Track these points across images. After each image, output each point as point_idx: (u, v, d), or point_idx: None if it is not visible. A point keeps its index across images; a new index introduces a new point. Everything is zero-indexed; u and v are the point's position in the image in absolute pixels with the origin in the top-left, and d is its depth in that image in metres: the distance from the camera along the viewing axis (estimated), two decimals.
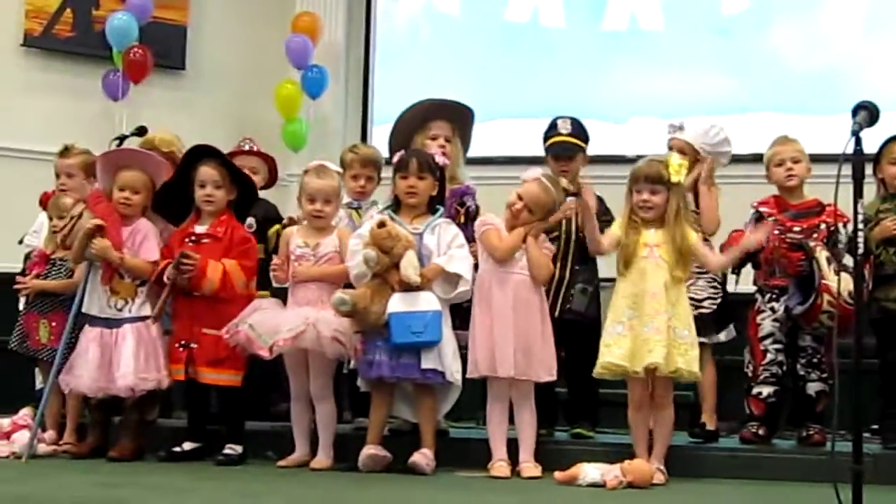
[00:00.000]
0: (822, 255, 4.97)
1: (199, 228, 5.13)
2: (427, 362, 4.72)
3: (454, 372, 4.78)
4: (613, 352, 4.62)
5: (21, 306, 5.67)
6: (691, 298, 5.06)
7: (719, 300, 5.25)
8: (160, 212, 5.32)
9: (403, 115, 5.46)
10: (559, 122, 5.44)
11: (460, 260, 4.81)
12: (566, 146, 5.37)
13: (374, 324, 4.73)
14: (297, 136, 8.32)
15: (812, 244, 5.04)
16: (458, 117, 5.42)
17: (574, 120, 5.45)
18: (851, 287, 4.66)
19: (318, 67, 8.45)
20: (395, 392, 4.91)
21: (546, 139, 5.43)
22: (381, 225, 4.74)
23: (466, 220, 5.12)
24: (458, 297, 4.83)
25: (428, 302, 4.73)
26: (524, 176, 4.88)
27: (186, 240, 5.11)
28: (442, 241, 4.86)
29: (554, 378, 4.83)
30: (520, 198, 4.79)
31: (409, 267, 4.69)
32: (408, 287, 4.71)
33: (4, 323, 5.79)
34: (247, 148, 5.78)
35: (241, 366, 5.02)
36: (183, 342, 5.06)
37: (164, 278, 5.03)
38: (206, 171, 5.13)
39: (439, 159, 4.99)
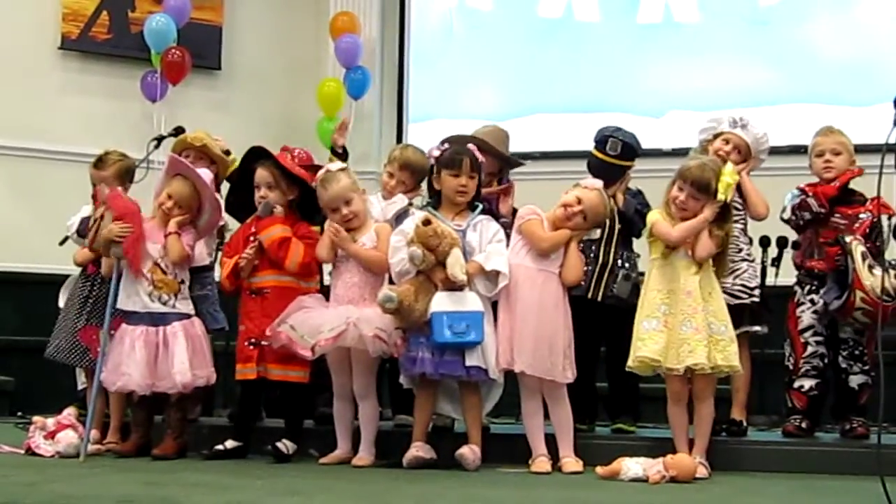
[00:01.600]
0: (857, 250, 4.92)
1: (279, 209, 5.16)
2: (471, 360, 4.72)
3: (496, 369, 4.78)
4: (649, 346, 4.61)
5: (61, 303, 5.70)
6: (744, 286, 5.06)
7: (761, 290, 5.22)
8: (232, 212, 5.39)
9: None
10: (610, 140, 5.30)
11: (498, 255, 4.80)
12: (608, 169, 5.26)
13: (418, 321, 4.73)
14: (330, 135, 8.32)
15: (849, 239, 5.00)
16: (492, 150, 5.29)
17: (625, 143, 5.29)
18: (888, 283, 4.65)
19: (361, 69, 8.47)
20: (438, 389, 4.91)
21: (596, 145, 5.35)
22: (427, 222, 4.73)
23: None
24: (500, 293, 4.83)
25: (473, 302, 4.73)
26: (585, 183, 4.84)
27: (250, 237, 5.14)
28: (483, 237, 4.86)
29: (571, 380, 4.80)
30: (578, 201, 4.77)
31: (457, 265, 4.68)
32: (452, 285, 4.72)
33: (46, 324, 5.84)
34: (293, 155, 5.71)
35: (306, 363, 5.00)
36: (253, 340, 5.07)
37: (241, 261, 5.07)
38: (259, 173, 5.16)
39: (480, 156, 4.97)
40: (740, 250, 5.14)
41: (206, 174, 5.34)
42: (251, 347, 5.07)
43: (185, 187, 5.23)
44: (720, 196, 4.61)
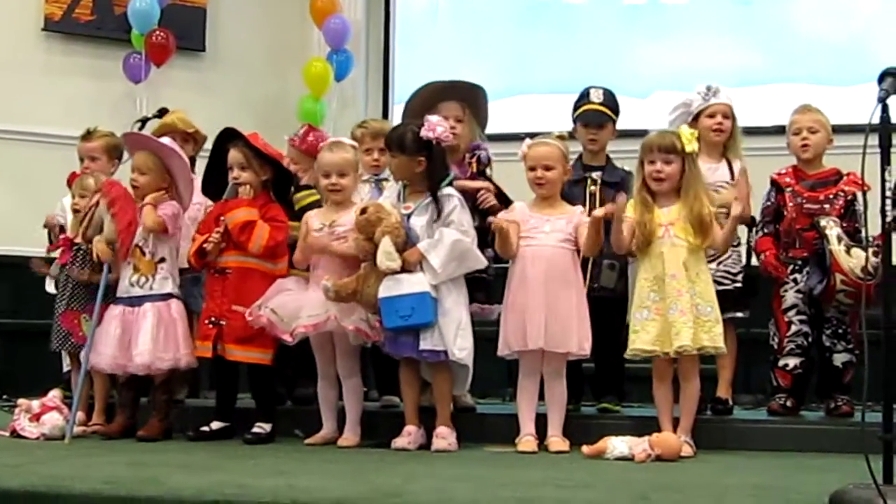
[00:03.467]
0: (832, 233, 4.94)
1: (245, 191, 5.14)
2: (424, 343, 4.70)
3: (457, 350, 4.71)
4: (642, 338, 4.63)
5: (49, 288, 5.69)
6: (727, 272, 5.06)
7: (744, 273, 5.23)
8: (208, 195, 5.38)
9: (413, 98, 5.40)
10: (591, 91, 5.41)
11: (441, 246, 4.72)
12: (596, 114, 5.35)
13: (373, 304, 4.74)
14: (314, 116, 8.30)
15: (824, 222, 5.01)
16: (469, 96, 5.35)
17: (606, 91, 5.43)
18: (865, 262, 4.66)
19: (344, 51, 8.45)
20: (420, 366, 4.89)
21: (577, 107, 5.41)
22: (363, 211, 4.74)
23: (478, 169, 5.18)
24: (454, 276, 4.77)
25: (413, 284, 4.68)
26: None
27: (220, 218, 5.13)
28: (434, 219, 4.79)
29: (586, 354, 4.82)
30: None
31: (382, 254, 4.66)
32: (395, 270, 4.70)
33: (32, 306, 5.84)
34: (295, 138, 5.68)
35: (270, 344, 5.01)
36: (213, 319, 5.07)
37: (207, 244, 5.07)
38: (231, 154, 5.15)
39: (425, 133, 4.79)
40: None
41: (166, 140, 5.38)
42: (210, 326, 5.07)
43: (147, 158, 5.25)
44: (688, 148, 4.66)
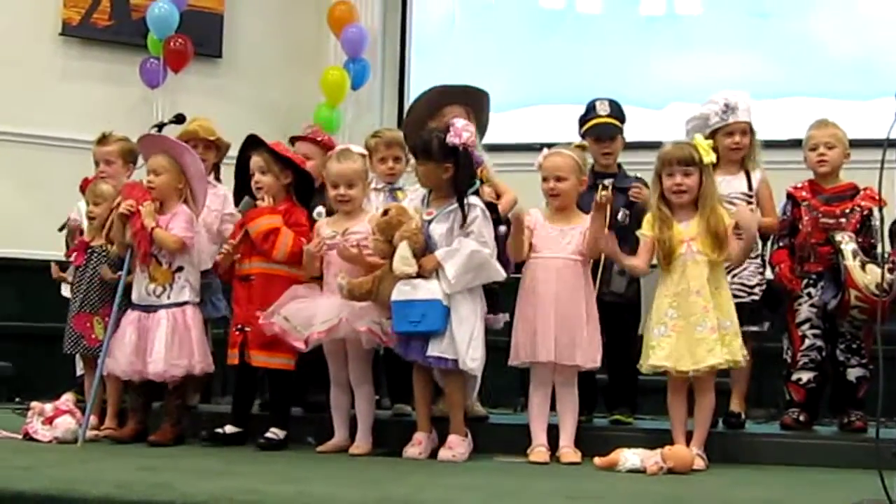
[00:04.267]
0: (848, 247, 4.93)
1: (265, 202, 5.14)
2: (433, 349, 4.68)
3: (469, 360, 4.68)
4: (658, 353, 4.61)
5: (65, 292, 5.70)
6: (743, 284, 5.05)
7: (764, 286, 5.21)
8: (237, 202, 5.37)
9: (417, 101, 5.40)
10: (597, 104, 5.42)
11: (458, 255, 4.69)
12: (606, 127, 5.36)
13: (388, 305, 4.74)
14: (329, 123, 8.32)
15: (839, 237, 4.99)
16: (473, 101, 5.33)
17: (612, 101, 5.44)
18: (880, 278, 4.64)
19: (361, 60, 8.46)
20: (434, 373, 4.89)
21: (585, 121, 5.41)
22: (385, 213, 4.75)
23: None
24: (469, 287, 4.75)
25: (426, 290, 4.68)
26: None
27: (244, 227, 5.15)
28: (456, 227, 4.75)
29: (597, 366, 4.82)
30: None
31: (398, 258, 4.66)
32: (410, 275, 4.69)
33: (47, 309, 5.85)
34: (307, 133, 5.73)
35: (293, 350, 5.01)
36: (240, 326, 5.09)
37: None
38: (253, 160, 5.18)
39: (450, 139, 4.76)
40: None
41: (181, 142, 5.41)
42: (237, 333, 5.09)
43: (161, 159, 5.27)
44: (706, 159, 4.66)
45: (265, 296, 5.03)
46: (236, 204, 5.35)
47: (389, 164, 5.39)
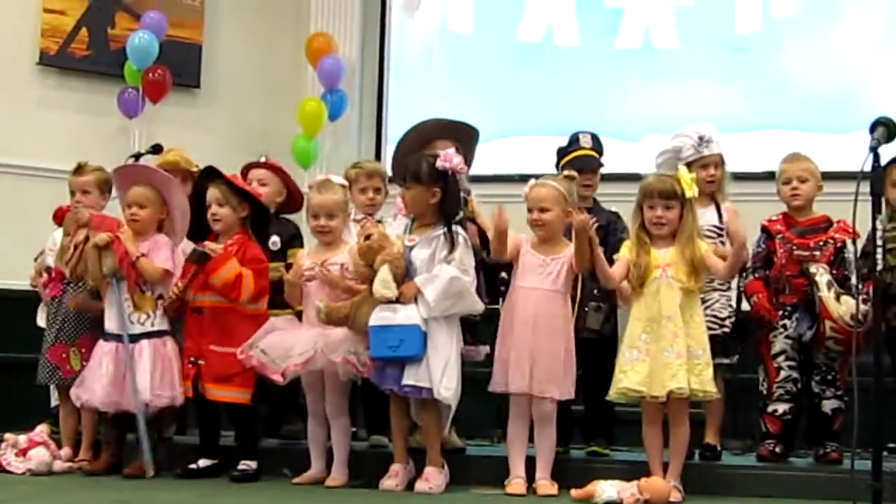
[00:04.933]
0: (822, 279, 4.97)
1: (212, 247, 5.12)
2: (408, 377, 4.68)
3: (443, 389, 4.67)
4: (630, 377, 4.62)
5: (40, 322, 5.67)
6: (714, 317, 5.06)
7: (734, 318, 5.24)
8: (190, 237, 5.36)
9: (407, 135, 5.42)
10: (580, 136, 5.47)
11: (437, 280, 4.70)
12: (590, 160, 5.40)
13: (365, 332, 4.74)
14: (306, 154, 8.32)
15: (813, 268, 5.03)
16: (463, 136, 5.36)
17: (593, 135, 5.49)
18: (854, 309, 4.67)
19: (338, 90, 8.48)
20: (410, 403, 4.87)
21: (566, 153, 5.43)
22: (367, 238, 4.75)
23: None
24: (448, 314, 4.76)
25: (405, 316, 4.68)
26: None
27: (184, 258, 5.14)
28: (437, 255, 4.76)
29: (571, 397, 4.82)
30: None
31: (379, 282, 4.67)
32: (389, 300, 4.70)
33: (21, 340, 5.81)
34: (261, 160, 5.74)
35: (249, 383, 5.01)
36: (192, 359, 5.08)
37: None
38: (210, 192, 5.17)
39: (440, 163, 4.80)
40: (712, 280, 5.08)
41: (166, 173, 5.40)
42: (190, 365, 5.08)
43: (146, 191, 5.26)
44: (688, 193, 4.69)
45: (217, 329, 5.04)
46: (191, 236, 5.32)
47: (370, 195, 5.41)
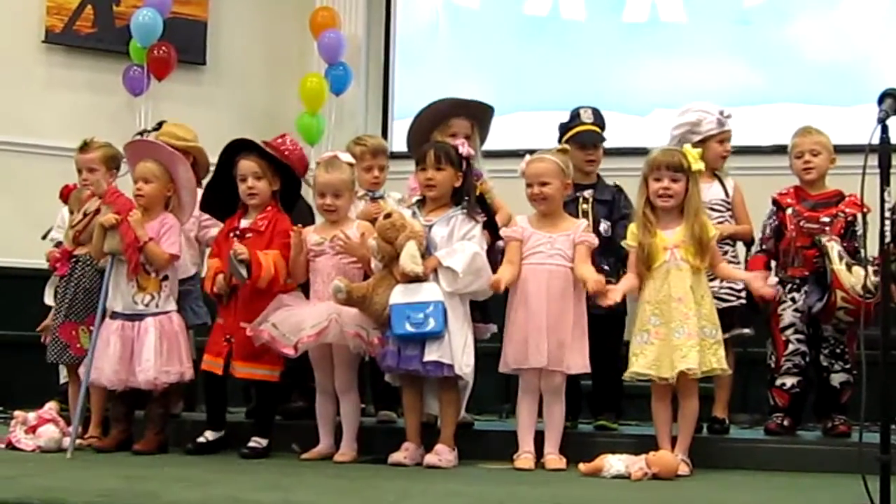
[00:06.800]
0: (833, 250, 4.95)
1: (243, 223, 5.12)
2: (430, 355, 4.68)
3: (464, 366, 4.71)
4: (640, 361, 4.62)
5: (48, 300, 5.68)
6: (731, 288, 5.06)
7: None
8: (209, 211, 5.35)
9: (423, 112, 5.41)
10: (582, 111, 5.44)
11: (461, 253, 4.74)
12: (592, 134, 5.37)
13: (380, 315, 4.74)
14: (312, 131, 8.31)
15: (825, 239, 5.02)
16: (478, 114, 5.39)
17: (595, 109, 5.46)
18: (866, 280, 4.66)
19: (342, 65, 8.45)
20: (424, 387, 4.89)
21: (568, 128, 5.42)
22: (388, 216, 4.75)
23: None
24: (468, 290, 4.78)
25: (429, 293, 4.69)
26: None
27: (231, 234, 5.11)
28: (455, 233, 4.81)
29: (587, 371, 4.82)
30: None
31: (408, 257, 4.66)
32: (410, 278, 4.70)
33: (30, 318, 5.82)
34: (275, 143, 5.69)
35: (278, 360, 5.00)
36: (227, 336, 5.06)
37: (215, 288, 5.06)
38: (245, 164, 5.12)
39: (463, 150, 4.91)
40: (725, 253, 5.13)
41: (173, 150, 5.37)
42: (224, 343, 5.06)
43: (152, 166, 5.23)
44: (695, 166, 4.69)
45: (249, 306, 5.01)
46: (204, 205, 5.32)
47: (375, 173, 5.40)
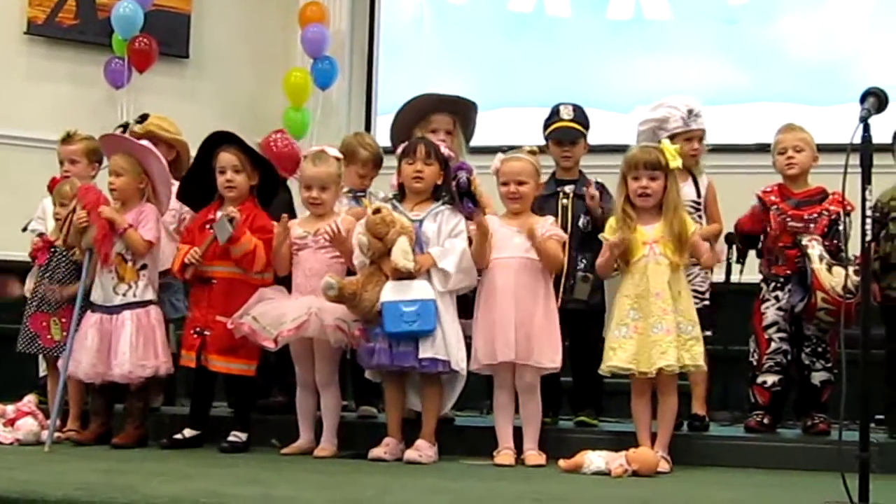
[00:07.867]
0: (814, 251, 4.97)
1: (219, 215, 5.10)
2: (425, 351, 4.68)
3: (459, 361, 4.74)
4: (619, 355, 4.62)
5: (26, 291, 5.64)
6: (696, 291, 5.06)
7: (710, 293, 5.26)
8: (186, 201, 5.33)
9: (404, 107, 5.42)
10: (561, 107, 5.42)
11: (452, 254, 4.76)
12: (569, 131, 5.36)
13: (369, 311, 4.72)
14: (298, 125, 8.29)
15: (807, 239, 5.03)
16: (460, 110, 5.39)
17: (576, 106, 5.44)
18: (846, 281, 4.66)
19: (328, 59, 8.43)
20: (406, 383, 4.88)
21: (548, 125, 5.42)
22: (377, 211, 4.74)
23: (458, 192, 5.08)
24: (457, 288, 4.80)
25: (420, 290, 4.69)
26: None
27: (206, 226, 5.10)
28: (443, 229, 4.84)
29: (557, 366, 4.81)
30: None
31: (399, 253, 4.66)
32: (401, 275, 4.69)
33: (7, 309, 5.79)
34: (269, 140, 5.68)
35: (254, 355, 5.00)
36: (198, 329, 5.05)
37: (187, 258, 5.03)
38: (225, 157, 5.11)
39: (445, 150, 4.95)
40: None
41: (144, 143, 5.35)
42: (195, 336, 5.05)
43: (123, 159, 5.22)
44: (672, 164, 4.69)
45: (225, 300, 5.01)
46: (181, 195, 5.31)
47: (367, 182, 5.43)
